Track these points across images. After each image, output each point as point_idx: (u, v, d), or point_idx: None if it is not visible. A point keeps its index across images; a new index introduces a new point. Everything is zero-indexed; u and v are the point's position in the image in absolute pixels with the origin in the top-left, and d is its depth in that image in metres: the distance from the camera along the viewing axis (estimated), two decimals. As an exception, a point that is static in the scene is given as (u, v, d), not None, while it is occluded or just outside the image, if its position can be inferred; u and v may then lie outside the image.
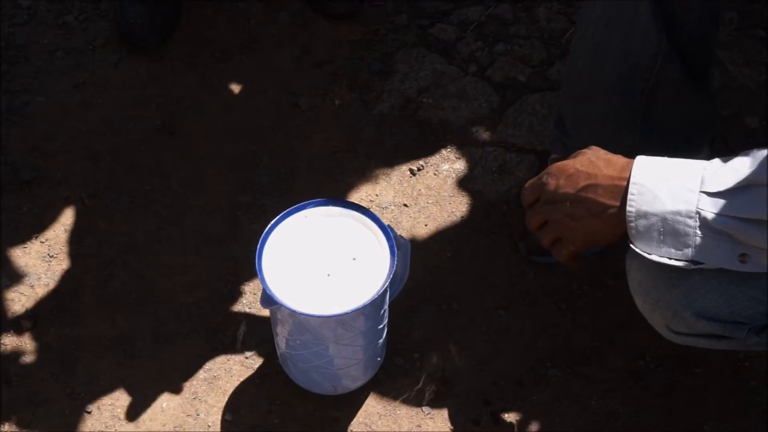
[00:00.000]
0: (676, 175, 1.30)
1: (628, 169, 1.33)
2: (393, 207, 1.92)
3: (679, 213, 1.28)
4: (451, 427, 1.70)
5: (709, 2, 1.63)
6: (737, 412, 1.70)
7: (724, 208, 1.26)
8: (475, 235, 1.89)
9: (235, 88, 2.08)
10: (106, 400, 1.71)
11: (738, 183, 1.25)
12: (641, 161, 1.33)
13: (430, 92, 2.06)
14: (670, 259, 1.31)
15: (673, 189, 1.29)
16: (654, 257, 1.32)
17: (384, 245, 1.58)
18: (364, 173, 1.96)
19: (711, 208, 1.26)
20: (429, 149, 2.00)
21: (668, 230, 1.30)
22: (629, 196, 1.31)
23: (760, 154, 1.26)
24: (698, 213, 1.27)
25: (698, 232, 1.28)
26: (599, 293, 1.78)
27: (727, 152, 1.80)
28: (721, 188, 1.26)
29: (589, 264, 1.42)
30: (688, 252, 1.30)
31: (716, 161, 1.29)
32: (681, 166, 1.31)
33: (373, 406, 1.72)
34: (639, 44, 1.60)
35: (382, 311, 1.63)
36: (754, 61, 2.08)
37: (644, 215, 1.31)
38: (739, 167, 1.26)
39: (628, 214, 1.31)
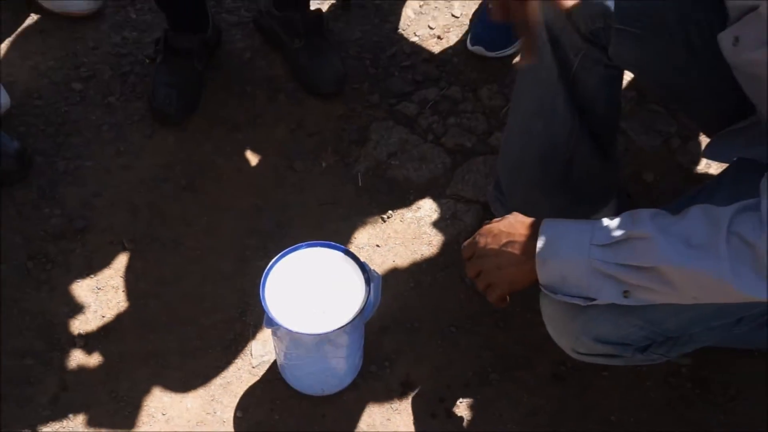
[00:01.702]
0: (573, 232, 1.33)
1: (538, 229, 1.35)
2: (368, 247, 1.93)
3: (575, 262, 1.31)
4: (414, 420, 1.72)
5: (612, 93, 1.65)
6: (637, 405, 1.73)
7: (609, 256, 1.28)
8: (433, 269, 1.90)
9: (244, 154, 2.08)
10: (143, 402, 1.73)
11: (620, 237, 1.28)
12: (547, 222, 1.36)
13: (397, 156, 2.06)
14: (571, 297, 1.34)
15: (571, 243, 1.31)
16: (558, 296, 1.35)
17: (360, 278, 1.60)
18: (345, 221, 1.96)
19: (600, 257, 1.29)
20: (396, 201, 2.00)
21: (567, 275, 1.32)
22: (537, 250, 1.33)
23: (636, 214, 1.30)
24: (590, 261, 1.29)
25: (590, 275, 1.30)
26: (529, 314, 1.77)
27: (629, 203, 1.85)
28: (607, 242, 1.29)
29: (521, 293, 1.46)
30: (584, 291, 1.32)
31: (604, 220, 1.31)
32: (577, 225, 1.34)
33: (352, 404, 1.73)
34: (558, 127, 1.62)
35: (360, 329, 1.66)
36: (650, 129, 2.09)
37: (549, 264, 1.33)
38: (620, 225, 1.29)
39: (536, 263, 1.34)
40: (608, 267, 1.30)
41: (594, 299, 1.33)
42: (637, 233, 1.28)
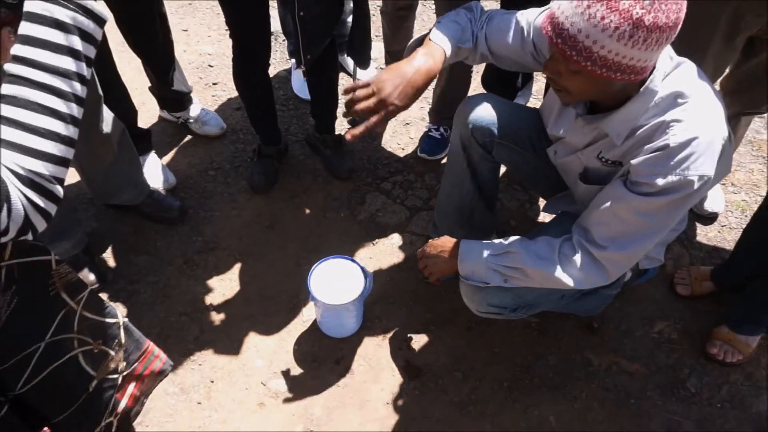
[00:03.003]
0: (478, 247, 1.31)
1: (458, 244, 1.35)
2: (366, 258, 1.91)
3: (479, 263, 1.29)
4: (390, 351, 1.69)
5: (495, 177, 1.63)
6: (508, 342, 1.71)
7: (497, 261, 1.27)
8: (401, 270, 1.88)
9: (300, 209, 2.05)
10: (244, 341, 1.70)
11: (502, 251, 1.27)
12: (464, 241, 1.35)
13: (381, 211, 2.04)
14: (476, 282, 1.32)
15: (477, 253, 1.30)
16: (470, 282, 1.33)
17: (361, 274, 1.60)
18: (353, 245, 1.94)
19: (492, 261, 1.26)
20: (381, 234, 1.97)
21: (475, 270, 1.31)
22: (459, 257, 1.32)
23: (510, 239, 1.29)
24: (486, 263, 1.26)
25: (487, 271, 1.28)
26: (454, 296, 1.71)
27: (504, 235, 1.83)
28: (496, 253, 1.28)
29: (450, 283, 1.43)
30: (483, 279, 1.29)
31: (494, 241, 1.30)
32: (479, 243, 1.33)
33: (357, 342, 1.71)
34: (465, 194, 1.61)
35: (361, 302, 1.64)
36: (513, 197, 2.08)
37: (465, 264, 1.32)
38: (502, 245, 1.29)
39: (458, 264, 1.32)
40: (497, 266, 1.29)
41: (488, 283, 1.33)
42: (511, 249, 1.28)
